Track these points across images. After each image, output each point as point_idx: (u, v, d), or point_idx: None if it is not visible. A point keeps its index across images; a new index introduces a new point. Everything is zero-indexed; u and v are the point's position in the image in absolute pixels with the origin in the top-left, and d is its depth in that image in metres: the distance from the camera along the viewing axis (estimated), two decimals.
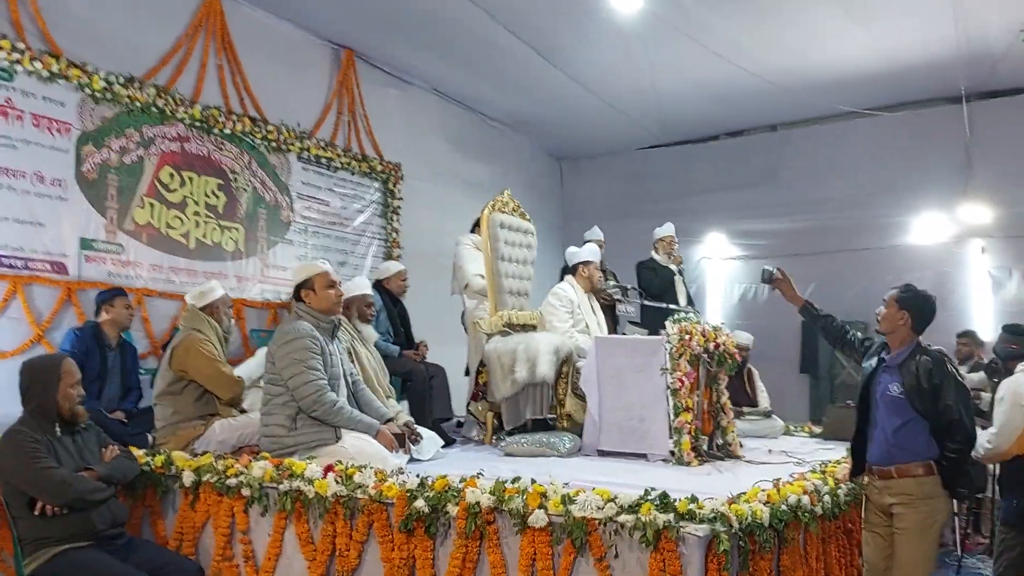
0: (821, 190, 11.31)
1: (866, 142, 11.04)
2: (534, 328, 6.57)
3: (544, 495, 3.45)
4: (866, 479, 4.25)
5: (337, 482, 3.84)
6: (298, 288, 4.52)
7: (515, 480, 3.65)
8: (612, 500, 3.35)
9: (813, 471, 4.67)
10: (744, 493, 3.67)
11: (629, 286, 6.56)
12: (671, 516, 3.21)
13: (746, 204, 11.92)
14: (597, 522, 3.34)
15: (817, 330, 4.80)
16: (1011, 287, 10.16)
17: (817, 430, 7.77)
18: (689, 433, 5.39)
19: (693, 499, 3.32)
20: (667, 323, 5.61)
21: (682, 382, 5.44)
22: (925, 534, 3.97)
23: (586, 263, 6.76)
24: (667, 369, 5.47)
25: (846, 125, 11.25)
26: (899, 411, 4.00)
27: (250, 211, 8.21)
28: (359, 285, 6.12)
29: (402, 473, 3.94)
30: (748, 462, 5.60)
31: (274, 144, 8.43)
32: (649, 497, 3.34)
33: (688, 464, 5.29)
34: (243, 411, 5.15)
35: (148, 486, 4.39)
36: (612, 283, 6.57)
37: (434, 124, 10.71)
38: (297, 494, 3.93)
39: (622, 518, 3.27)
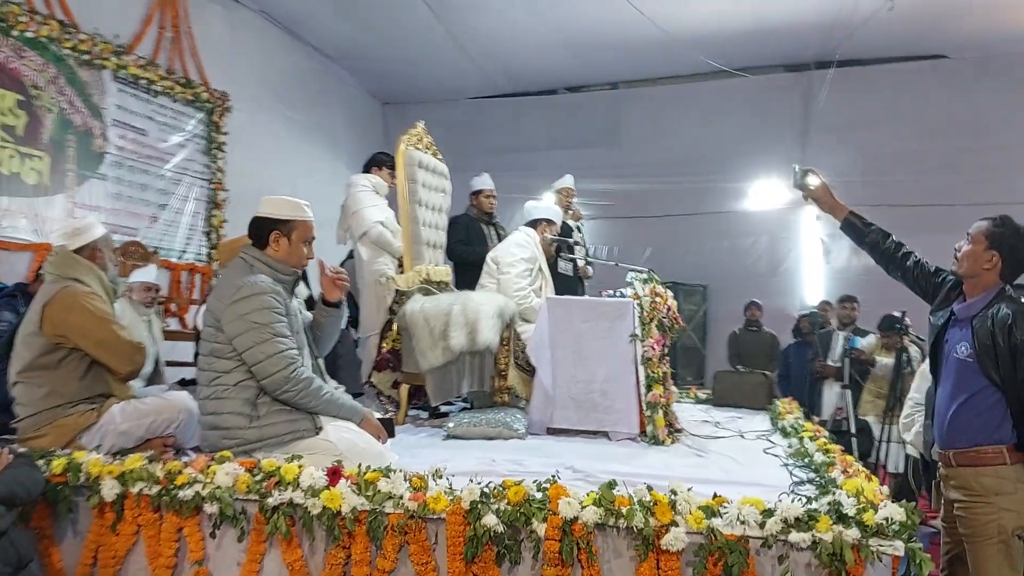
0: (662, 152, 11.14)
1: (709, 105, 10.99)
2: (447, 287, 5.64)
3: (674, 506, 2.63)
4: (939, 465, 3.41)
5: (356, 492, 2.79)
6: (269, 227, 3.32)
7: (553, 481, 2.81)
8: (769, 512, 2.61)
9: None
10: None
11: (572, 240, 5.80)
12: (855, 531, 2.52)
13: (585, 163, 11.45)
14: (754, 542, 2.58)
15: (865, 249, 3.73)
16: (841, 255, 10.54)
17: (703, 395, 7.48)
18: (663, 408, 4.77)
19: (834, 504, 2.64)
20: (636, 282, 4.93)
21: (654, 350, 4.79)
22: (993, 546, 3.07)
23: (549, 222, 5.86)
24: (637, 335, 4.80)
25: (689, 87, 11.15)
26: (967, 379, 3.18)
27: (56, 137, 6.51)
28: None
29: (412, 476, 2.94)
30: (705, 437, 5.08)
31: (86, 57, 6.75)
32: (815, 506, 2.63)
33: (662, 443, 4.67)
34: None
35: (38, 502, 3.03)
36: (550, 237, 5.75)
37: (260, 51, 9.26)
38: (293, 510, 2.82)
39: (793, 536, 2.54)
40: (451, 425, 4.73)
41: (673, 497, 2.64)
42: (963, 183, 9.74)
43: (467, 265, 6.38)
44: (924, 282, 3.53)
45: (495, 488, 2.74)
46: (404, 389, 5.36)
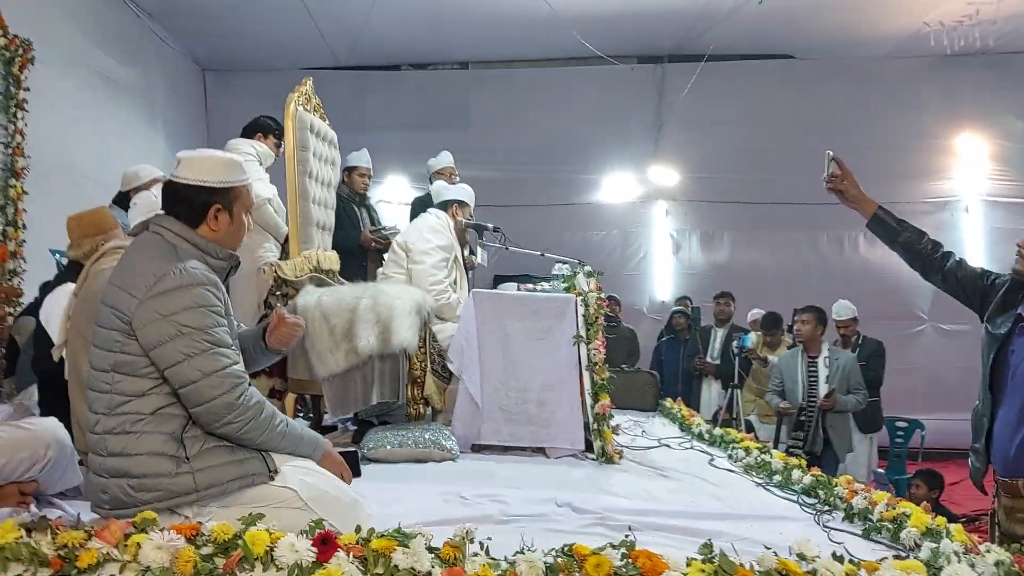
0: (513, 139, 10.60)
1: (563, 93, 10.56)
2: (336, 276, 4.78)
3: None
4: (994, 496, 3.01)
5: (362, 571, 1.95)
6: (206, 199, 2.36)
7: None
8: None
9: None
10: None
11: (491, 225, 5.03)
12: None
13: (431, 146, 10.71)
14: None
15: (897, 250, 3.27)
16: (689, 250, 10.46)
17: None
18: (609, 419, 4.19)
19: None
20: (579, 277, 4.31)
21: (600, 353, 4.20)
22: None
23: (462, 204, 5.05)
24: (582, 337, 4.18)
25: (543, 72, 10.69)
26: None
27: None
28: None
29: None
30: (635, 449, 4.57)
31: None
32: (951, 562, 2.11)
33: (612, 461, 4.09)
34: None
35: None
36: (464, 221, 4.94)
37: None
38: None
39: None
40: (370, 446, 3.89)
41: (808, 565, 2.02)
42: (811, 182, 9.85)
43: (339, 252, 5.51)
44: (969, 285, 3.10)
45: (562, 558, 2.00)
46: (290, 399, 4.45)
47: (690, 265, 10.48)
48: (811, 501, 3.41)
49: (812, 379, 5.91)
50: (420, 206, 6.19)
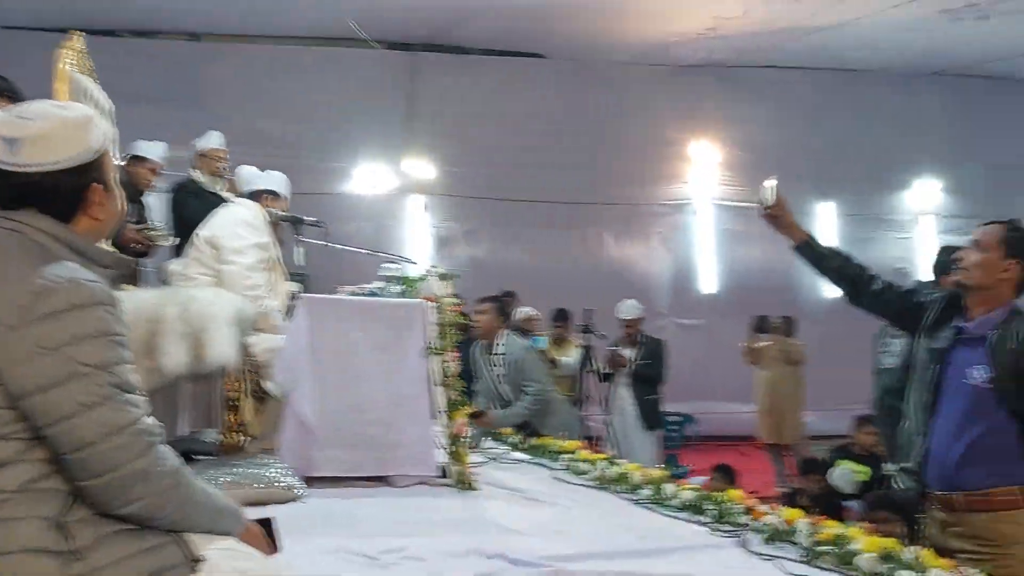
0: (251, 120, 9.64)
1: (309, 75, 9.80)
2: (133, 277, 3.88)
3: None
4: (927, 512, 2.93)
5: None
6: (81, 181, 1.56)
7: None
8: None
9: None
10: None
11: (310, 219, 4.25)
12: None
13: (156, 124, 9.47)
14: None
15: (827, 276, 3.20)
16: (453, 245, 10.18)
17: None
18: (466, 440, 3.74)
19: None
20: (431, 279, 3.80)
21: (453, 365, 3.75)
22: None
23: (275, 196, 4.25)
24: (433, 348, 3.69)
25: (287, 50, 9.85)
26: (983, 409, 2.77)
27: None
28: None
29: None
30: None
31: None
32: None
33: (470, 487, 3.66)
34: None
35: None
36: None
37: None
38: None
39: None
40: None
41: None
42: (564, 180, 10.03)
43: None
44: (899, 304, 3.09)
45: None
46: None
47: (452, 262, 10.19)
48: (705, 520, 3.22)
49: (495, 377, 5.36)
50: (187, 196, 5.32)
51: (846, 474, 5.65)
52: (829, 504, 5.34)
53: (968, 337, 2.86)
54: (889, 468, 3.70)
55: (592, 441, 6.01)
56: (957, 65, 10.61)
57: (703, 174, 10.51)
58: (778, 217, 3.19)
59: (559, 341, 7.00)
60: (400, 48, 10.05)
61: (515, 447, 4.93)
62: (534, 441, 4.83)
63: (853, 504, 5.47)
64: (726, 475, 5.85)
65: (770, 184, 3.17)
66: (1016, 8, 8.31)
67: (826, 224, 10.35)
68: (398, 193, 10.02)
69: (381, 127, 9.89)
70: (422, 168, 9.92)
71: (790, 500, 5.73)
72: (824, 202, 10.55)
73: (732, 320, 9.47)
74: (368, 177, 9.91)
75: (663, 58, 10.05)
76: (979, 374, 2.77)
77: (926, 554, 2.48)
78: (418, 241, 10.08)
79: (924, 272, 10.36)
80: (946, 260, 3.46)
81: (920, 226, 10.97)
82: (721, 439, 9.14)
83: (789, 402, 7.66)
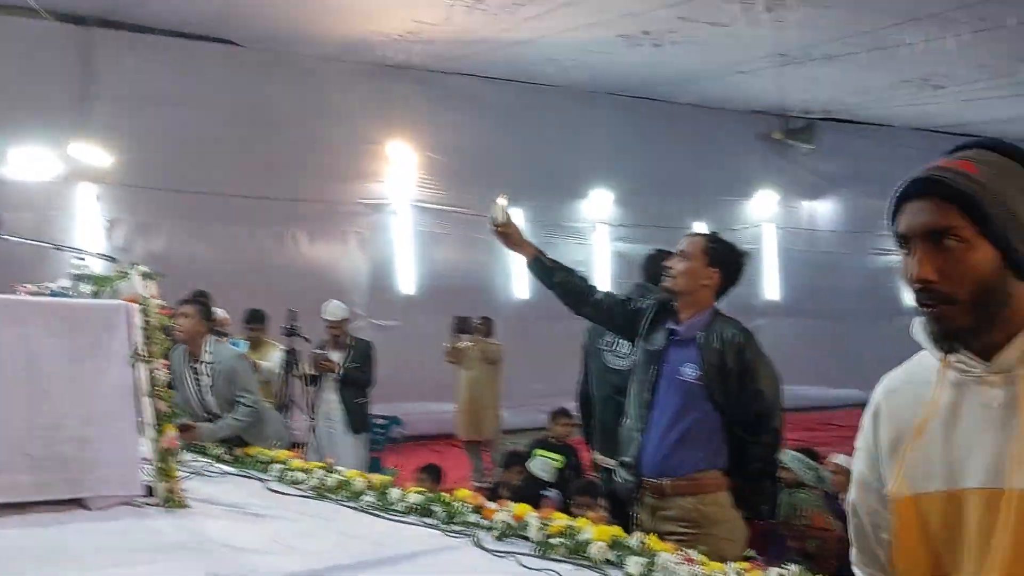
0: None
1: None
2: None
3: None
4: (641, 501, 3.19)
5: None
6: None
7: None
8: None
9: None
10: None
11: None
12: None
13: None
14: None
15: (555, 290, 3.45)
16: (125, 238, 9.31)
17: None
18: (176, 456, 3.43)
19: None
20: (133, 277, 3.42)
21: (163, 374, 3.42)
22: None
23: None
24: (143, 355, 3.35)
25: None
26: (692, 402, 3.06)
27: None
28: None
29: None
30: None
31: None
32: None
33: (181, 505, 3.36)
34: None
35: None
36: None
37: None
38: None
39: None
40: None
41: None
42: (253, 175, 9.60)
43: None
44: (617, 312, 3.37)
45: None
46: None
47: (126, 259, 9.27)
48: (434, 522, 3.22)
49: (200, 387, 4.78)
50: None
51: (543, 463, 5.99)
52: (529, 495, 5.60)
53: (680, 339, 3.15)
54: (607, 461, 3.94)
55: (296, 448, 5.79)
56: (631, 86, 11.59)
57: (402, 175, 10.55)
58: (508, 235, 3.40)
59: (256, 344, 6.65)
60: (73, 21, 9.02)
61: (218, 459, 4.62)
62: (240, 452, 4.56)
63: (550, 493, 5.79)
64: (433, 475, 5.91)
65: (500, 203, 3.36)
66: (683, 39, 9.31)
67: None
68: (66, 180, 8.98)
69: (48, 107, 8.81)
70: (95, 154, 8.96)
71: (492, 494, 5.94)
72: (513, 208, 11.03)
73: (430, 321, 9.63)
74: (31, 162, 8.78)
75: (364, 56, 9.95)
76: (690, 371, 3.07)
77: (651, 539, 2.67)
78: (88, 234, 9.10)
79: (601, 277, 11.29)
80: (656, 267, 3.77)
81: (597, 233, 11.84)
82: (420, 439, 9.24)
83: (487, 399, 7.93)
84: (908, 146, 13.08)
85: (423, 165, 10.65)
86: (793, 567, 2.41)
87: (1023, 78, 10.67)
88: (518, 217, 10.82)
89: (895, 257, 4.36)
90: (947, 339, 1.24)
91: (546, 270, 3.44)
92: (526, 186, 10.96)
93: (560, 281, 3.42)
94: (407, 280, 10.63)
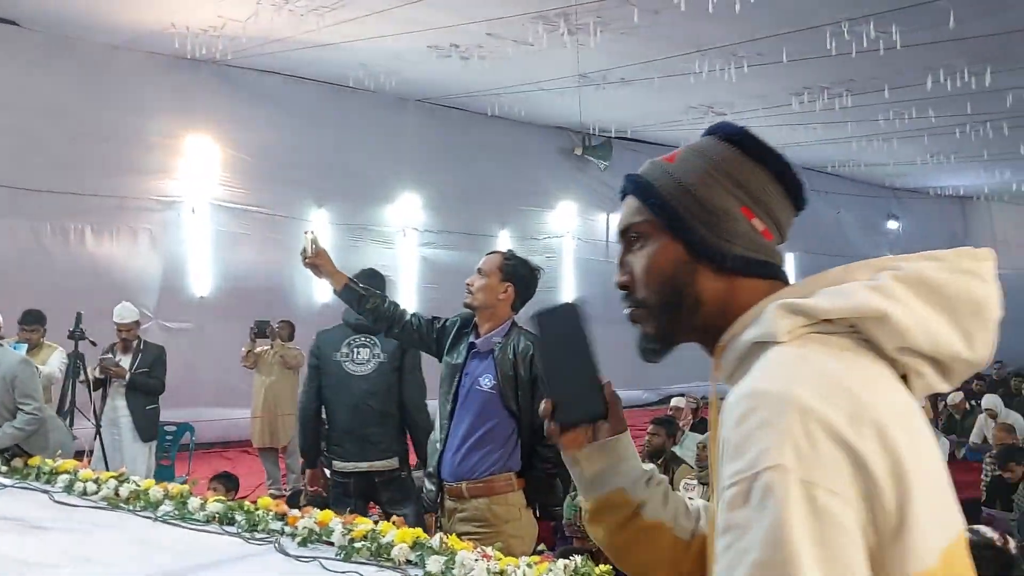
0: None
1: None
2: None
3: None
4: (442, 505, 3.39)
5: None
6: None
7: None
8: None
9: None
10: None
11: None
12: None
13: None
14: None
15: (366, 316, 3.59)
16: None
17: None
18: None
19: None
20: None
21: None
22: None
23: None
24: None
25: None
26: (489, 410, 3.27)
27: None
28: None
29: None
30: None
31: None
32: None
33: None
34: None
35: None
36: None
37: None
38: None
39: None
40: None
41: None
42: (35, 165, 8.94)
43: None
44: (426, 331, 3.52)
45: None
46: None
47: None
48: (236, 530, 3.18)
49: None
50: None
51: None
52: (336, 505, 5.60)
53: (478, 351, 3.36)
54: (345, 467, 4.45)
55: (81, 457, 5.47)
56: (441, 95, 11.77)
57: (200, 172, 10.13)
58: (319, 266, 3.48)
59: (33, 347, 6.20)
60: None
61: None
62: (20, 462, 4.28)
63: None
64: (228, 483, 5.77)
65: (309, 236, 3.47)
66: (491, 54, 9.58)
67: (320, 232, 10.68)
68: None
69: None
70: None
71: (291, 501, 5.85)
72: (318, 210, 10.93)
73: (224, 324, 9.34)
74: None
75: (163, 47, 9.46)
76: (487, 381, 3.29)
77: (452, 539, 2.80)
78: None
79: (407, 282, 11.34)
80: None
81: (404, 238, 11.89)
82: (213, 446, 8.94)
83: (285, 406, 7.78)
84: None
85: (224, 163, 10.29)
86: (578, 558, 2.60)
87: (796, 109, 11.68)
88: (323, 219, 10.79)
89: None
90: (642, 350, 1.11)
91: (357, 297, 3.55)
92: (332, 189, 10.90)
93: (371, 308, 3.54)
94: (201, 281, 10.21)
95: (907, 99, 11.07)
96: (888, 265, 0.98)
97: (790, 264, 7.12)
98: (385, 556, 2.81)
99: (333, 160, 10.89)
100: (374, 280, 4.04)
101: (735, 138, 1.10)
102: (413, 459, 4.81)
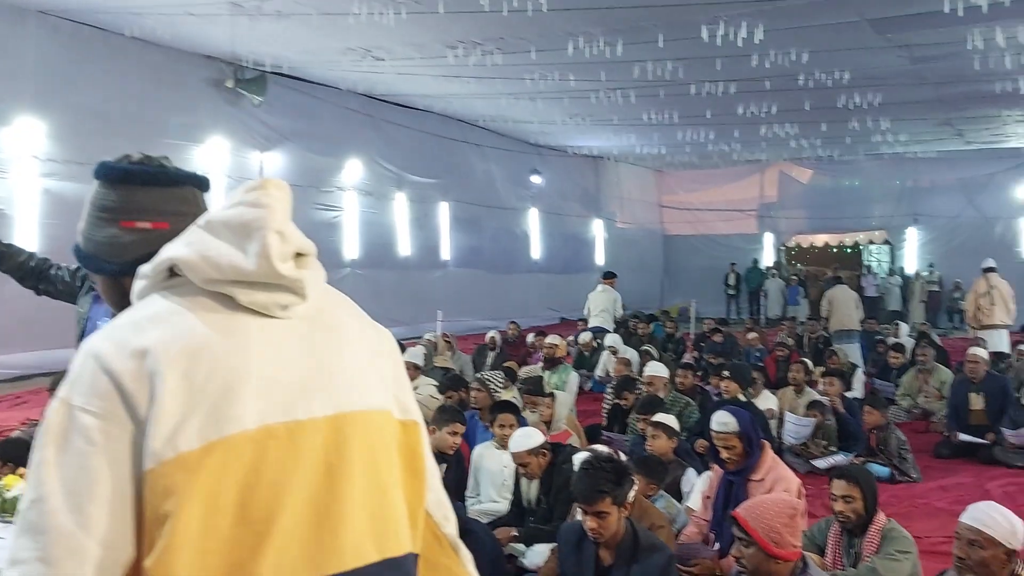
0: None
1: None
2: None
3: None
4: None
5: None
6: None
7: None
8: None
9: None
10: None
11: None
12: None
13: None
14: None
15: (9, 273, 3.47)
16: None
17: None
18: None
19: None
20: None
21: None
22: None
23: None
24: None
25: None
26: None
27: None
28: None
29: None
30: None
31: None
32: None
33: None
34: None
35: None
36: None
37: None
38: None
39: None
40: None
41: None
42: None
43: None
44: (71, 281, 3.49)
45: None
46: None
47: None
48: None
49: None
50: None
51: None
52: None
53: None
54: None
55: None
56: (69, 8, 9.86)
57: None
58: None
59: None
60: None
61: None
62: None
63: None
64: None
65: None
66: None
67: None
68: None
69: None
70: None
71: None
72: None
73: None
74: None
75: None
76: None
77: None
78: None
79: (27, 216, 9.83)
80: None
81: (23, 167, 10.04)
82: None
83: None
84: (353, 109, 13.26)
85: None
86: None
87: (451, 62, 11.30)
88: None
89: (334, 213, 13.81)
90: None
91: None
92: None
93: (13, 266, 3.46)
94: None
95: (551, 62, 11.33)
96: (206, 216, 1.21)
97: (445, 212, 16.54)
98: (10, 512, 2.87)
99: None
100: None
101: (97, 175, 1.38)
102: None
